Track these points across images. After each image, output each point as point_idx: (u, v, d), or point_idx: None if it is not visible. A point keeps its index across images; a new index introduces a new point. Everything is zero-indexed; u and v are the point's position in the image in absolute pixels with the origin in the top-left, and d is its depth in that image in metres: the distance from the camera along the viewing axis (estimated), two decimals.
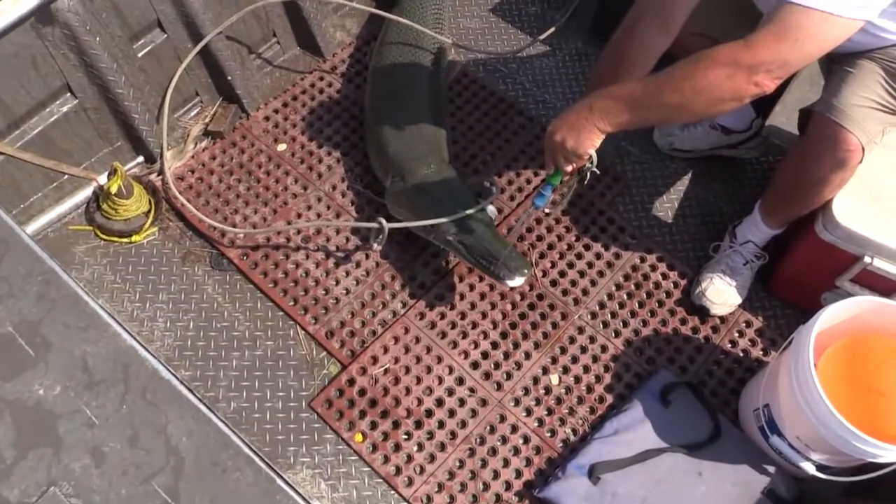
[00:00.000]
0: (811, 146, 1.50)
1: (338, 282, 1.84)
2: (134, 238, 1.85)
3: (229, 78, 1.99)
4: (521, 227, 1.90)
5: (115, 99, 1.80)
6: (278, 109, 2.09)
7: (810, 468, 1.50)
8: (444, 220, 1.67)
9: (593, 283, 1.88)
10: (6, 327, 1.11)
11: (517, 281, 1.61)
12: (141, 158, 1.96)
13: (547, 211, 1.87)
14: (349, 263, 1.87)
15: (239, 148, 2.01)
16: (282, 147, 2.03)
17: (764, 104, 1.95)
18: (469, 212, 1.67)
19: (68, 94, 1.76)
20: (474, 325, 1.79)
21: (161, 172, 1.94)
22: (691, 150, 2.05)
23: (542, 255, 1.91)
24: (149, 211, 1.87)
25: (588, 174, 1.49)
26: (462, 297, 1.83)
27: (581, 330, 1.81)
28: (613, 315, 1.83)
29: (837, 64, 1.51)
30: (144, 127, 1.88)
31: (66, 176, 1.85)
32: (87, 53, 1.70)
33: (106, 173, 1.88)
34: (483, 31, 2.29)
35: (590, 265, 1.91)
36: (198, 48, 1.90)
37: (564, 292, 1.86)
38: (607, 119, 1.35)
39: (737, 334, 1.81)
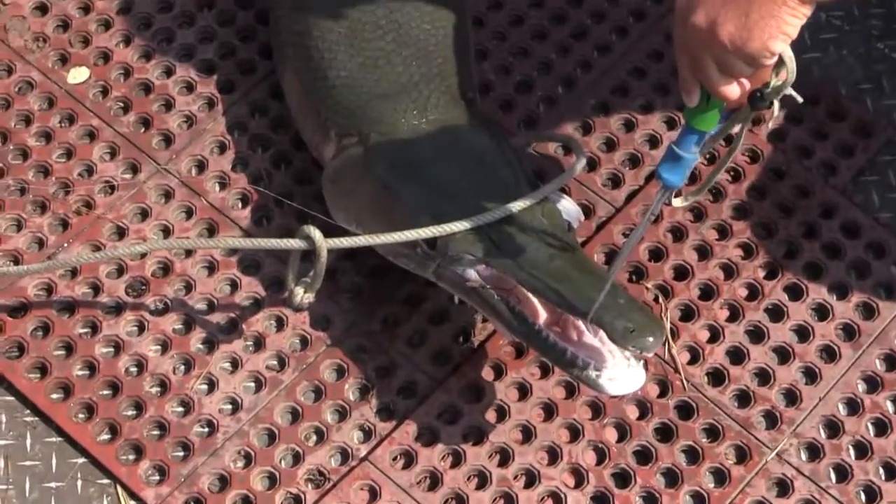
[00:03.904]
0: None
1: (213, 384, 1.31)
2: None
3: None
4: (636, 243, 1.32)
5: None
6: None
7: None
8: (455, 227, 1.24)
9: (811, 375, 1.34)
10: None
11: (628, 380, 1.16)
12: None
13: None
14: (238, 339, 1.33)
15: None
16: (79, 76, 1.51)
17: None
18: (515, 206, 1.22)
19: None
20: (531, 479, 1.32)
21: None
22: None
23: (686, 313, 1.33)
24: None
25: (775, 104, 1.08)
26: (502, 412, 1.34)
27: (785, 487, 1.32)
28: (861, 451, 1.32)
29: None
30: None
31: None
32: None
33: None
34: None
35: (801, 334, 1.33)
36: None
37: (741, 398, 1.35)
38: None
39: None
